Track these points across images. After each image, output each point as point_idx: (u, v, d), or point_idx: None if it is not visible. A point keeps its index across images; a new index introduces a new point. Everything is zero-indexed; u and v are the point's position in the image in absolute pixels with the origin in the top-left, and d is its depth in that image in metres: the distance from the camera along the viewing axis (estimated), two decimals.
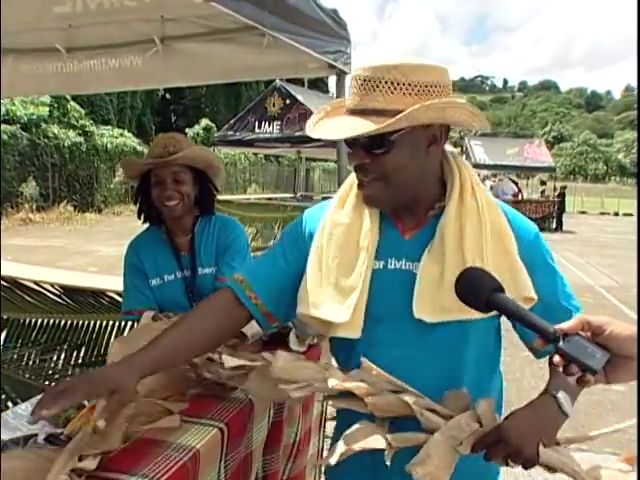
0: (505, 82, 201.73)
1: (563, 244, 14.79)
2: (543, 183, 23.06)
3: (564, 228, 19.72)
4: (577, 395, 1.13)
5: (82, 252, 10.61)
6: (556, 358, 0.84)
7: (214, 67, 2.75)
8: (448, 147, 1.22)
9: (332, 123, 1.15)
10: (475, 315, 1.02)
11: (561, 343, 0.84)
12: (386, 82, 1.04)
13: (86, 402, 1.12)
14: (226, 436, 1.25)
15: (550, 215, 19.77)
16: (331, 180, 16.24)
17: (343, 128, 1.09)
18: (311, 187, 26.65)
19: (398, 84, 1.04)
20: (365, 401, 1.06)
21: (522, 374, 4.87)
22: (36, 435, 1.17)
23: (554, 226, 19.67)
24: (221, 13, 2.40)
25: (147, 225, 2.19)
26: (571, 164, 72.56)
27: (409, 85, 1.04)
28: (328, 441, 3.01)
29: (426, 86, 1.04)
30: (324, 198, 12.29)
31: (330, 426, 3.07)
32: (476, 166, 18.02)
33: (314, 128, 1.16)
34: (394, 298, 1.15)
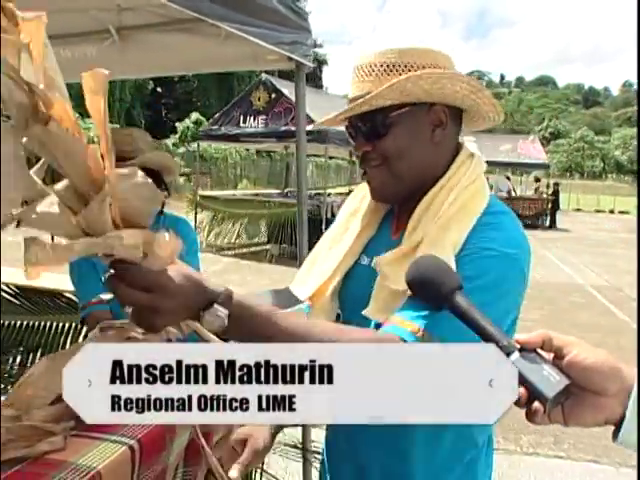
0: (502, 77, 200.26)
1: (556, 242, 14.42)
2: (537, 180, 22.88)
3: (558, 226, 19.57)
4: None
5: None
6: None
7: (173, 58, 2.67)
8: (471, 145, 1.10)
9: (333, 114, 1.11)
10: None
11: (512, 357, 0.66)
12: (382, 65, 1.00)
13: None
14: (138, 454, 1.16)
15: (543, 212, 19.65)
16: (324, 176, 16.03)
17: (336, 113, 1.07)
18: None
19: (394, 66, 1.00)
20: None
21: None
22: None
23: (547, 224, 19.52)
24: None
25: None
26: (567, 161, 72.06)
27: (405, 66, 0.99)
28: None
29: (423, 67, 0.98)
30: (317, 194, 12.08)
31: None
32: None
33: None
34: (365, 296, 1.05)
